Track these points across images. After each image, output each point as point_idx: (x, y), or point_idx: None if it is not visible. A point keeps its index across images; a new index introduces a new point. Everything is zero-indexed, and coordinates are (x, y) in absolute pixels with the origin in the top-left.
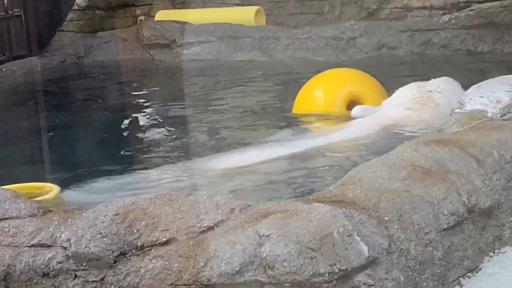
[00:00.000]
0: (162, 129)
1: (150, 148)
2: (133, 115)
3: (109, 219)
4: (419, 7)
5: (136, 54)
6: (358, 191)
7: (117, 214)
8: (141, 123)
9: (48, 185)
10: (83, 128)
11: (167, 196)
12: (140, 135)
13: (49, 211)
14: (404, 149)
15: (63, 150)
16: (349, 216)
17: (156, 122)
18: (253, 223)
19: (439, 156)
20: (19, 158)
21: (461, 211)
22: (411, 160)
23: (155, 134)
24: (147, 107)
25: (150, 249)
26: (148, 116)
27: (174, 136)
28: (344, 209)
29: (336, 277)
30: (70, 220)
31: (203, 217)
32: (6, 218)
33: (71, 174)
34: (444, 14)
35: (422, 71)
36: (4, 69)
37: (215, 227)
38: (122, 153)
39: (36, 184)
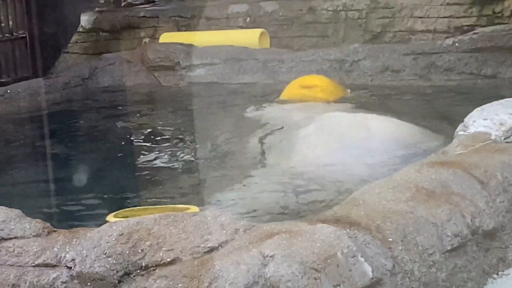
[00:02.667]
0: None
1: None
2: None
3: (113, 239)
4: (422, 30)
5: (140, 76)
6: (362, 212)
7: (122, 234)
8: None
9: (186, 207)
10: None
11: (172, 217)
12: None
13: (54, 231)
14: (408, 170)
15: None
16: (353, 237)
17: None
18: (257, 244)
19: (443, 177)
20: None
21: (465, 232)
22: (415, 181)
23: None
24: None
25: (154, 269)
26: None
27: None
28: (348, 230)
29: None
30: (74, 240)
31: (207, 237)
32: (11, 238)
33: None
34: (447, 37)
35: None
36: (8, 91)
37: (220, 247)
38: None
39: (173, 206)
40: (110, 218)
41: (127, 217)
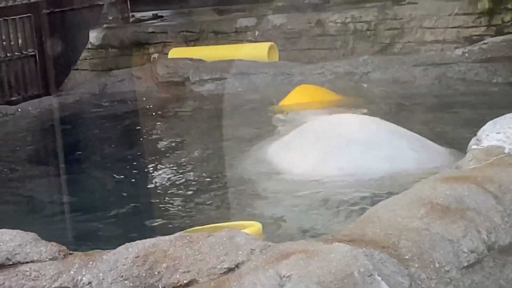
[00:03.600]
0: None
1: None
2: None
3: (130, 261)
4: (431, 41)
5: (150, 92)
6: (378, 230)
7: (138, 257)
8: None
9: (249, 223)
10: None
11: (187, 238)
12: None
13: (70, 253)
14: (422, 186)
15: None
16: (370, 256)
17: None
18: (273, 264)
19: (457, 193)
20: None
21: (481, 248)
22: (430, 197)
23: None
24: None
25: None
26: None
27: None
28: (364, 248)
29: None
30: (91, 263)
31: (223, 258)
32: (27, 262)
33: None
34: (457, 48)
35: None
36: (19, 109)
37: (236, 268)
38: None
39: (236, 223)
40: None
41: None
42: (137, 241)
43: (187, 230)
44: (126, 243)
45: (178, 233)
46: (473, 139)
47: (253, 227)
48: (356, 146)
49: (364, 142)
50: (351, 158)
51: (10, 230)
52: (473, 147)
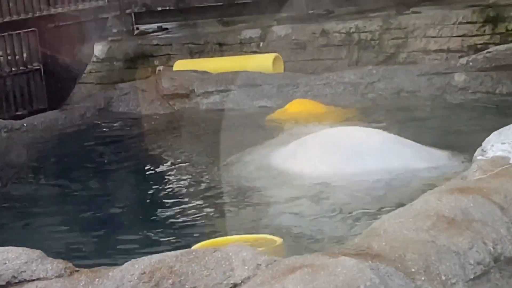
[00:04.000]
0: None
1: None
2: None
3: (136, 278)
4: (436, 50)
5: (155, 105)
6: (384, 243)
7: (144, 273)
8: None
9: (270, 237)
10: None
11: (193, 253)
12: None
13: (76, 270)
14: (428, 198)
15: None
16: (376, 269)
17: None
18: (280, 279)
19: (463, 204)
20: None
21: (487, 260)
22: (436, 209)
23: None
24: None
25: None
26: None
27: None
28: (370, 261)
29: None
30: (97, 280)
31: (229, 273)
32: (33, 280)
33: None
34: (461, 56)
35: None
36: (25, 124)
37: (242, 283)
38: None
39: (257, 236)
40: None
41: None
42: (143, 257)
43: (204, 242)
44: (132, 260)
45: (193, 247)
46: (478, 149)
47: (275, 243)
48: (364, 155)
49: (371, 152)
50: (360, 166)
51: (16, 247)
52: (478, 157)
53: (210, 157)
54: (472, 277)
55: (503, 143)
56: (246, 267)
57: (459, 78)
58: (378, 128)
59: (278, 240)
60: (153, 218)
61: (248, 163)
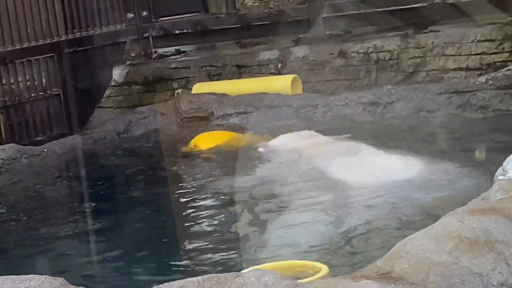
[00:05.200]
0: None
1: None
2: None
3: None
4: (455, 68)
5: (175, 128)
6: (406, 265)
7: None
8: None
9: (316, 264)
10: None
11: (215, 279)
12: None
13: None
14: (449, 219)
15: None
16: None
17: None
18: None
19: (485, 226)
20: None
21: (511, 281)
22: (457, 231)
23: None
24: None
25: None
26: None
27: None
28: (392, 285)
29: None
30: None
31: None
32: None
33: None
34: (480, 74)
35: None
36: (45, 150)
37: None
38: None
39: (301, 262)
40: None
41: None
42: (165, 284)
43: (249, 268)
44: (154, 286)
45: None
46: (499, 169)
47: (321, 271)
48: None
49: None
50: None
51: (38, 275)
52: (499, 177)
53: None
54: None
55: None
56: None
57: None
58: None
59: (324, 267)
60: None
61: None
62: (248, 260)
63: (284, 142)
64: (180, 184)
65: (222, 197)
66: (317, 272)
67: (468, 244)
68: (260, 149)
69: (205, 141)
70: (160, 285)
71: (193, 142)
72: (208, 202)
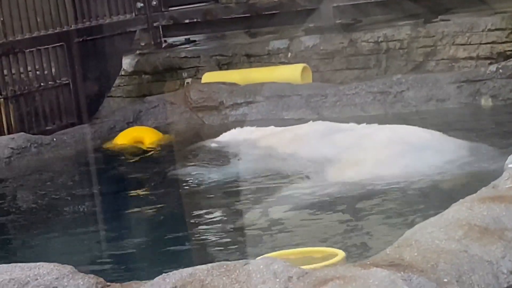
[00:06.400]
0: None
1: None
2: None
3: None
4: (465, 57)
5: (184, 118)
6: (415, 253)
7: (175, 287)
8: None
9: (331, 250)
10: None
11: (224, 267)
12: None
13: (107, 285)
14: (459, 208)
15: None
16: (408, 280)
17: None
18: None
19: (495, 213)
20: None
21: None
22: (467, 219)
23: None
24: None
25: None
26: None
27: None
28: (402, 272)
29: None
30: None
31: (260, 286)
32: None
33: None
34: (491, 63)
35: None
36: (54, 139)
37: None
38: None
39: (318, 248)
40: None
41: None
42: (174, 271)
43: (267, 254)
44: (163, 274)
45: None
46: (509, 157)
47: (337, 256)
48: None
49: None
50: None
51: (47, 263)
52: (509, 165)
53: None
54: (505, 286)
55: None
56: (278, 280)
57: (486, 103)
58: None
59: (340, 253)
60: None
61: None
62: None
63: (232, 137)
64: None
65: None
66: (332, 257)
67: (478, 232)
68: (213, 145)
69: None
70: (169, 272)
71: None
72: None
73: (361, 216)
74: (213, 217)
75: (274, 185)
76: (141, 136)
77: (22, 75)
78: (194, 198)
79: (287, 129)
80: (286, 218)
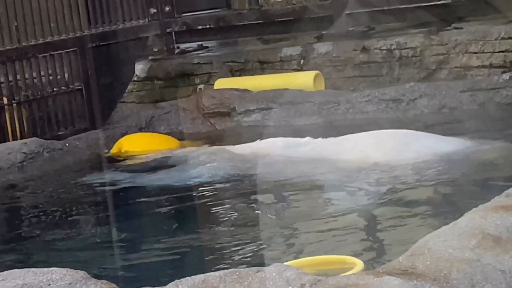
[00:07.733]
0: None
1: None
2: None
3: None
4: (478, 66)
5: (197, 124)
6: (428, 262)
7: None
8: None
9: (349, 258)
10: None
11: (237, 273)
12: None
13: None
14: (472, 216)
15: None
16: None
17: None
18: None
19: (508, 222)
20: None
21: None
22: (481, 228)
23: None
24: None
25: None
26: None
27: None
28: (415, 281)
29: None
30: None
31: None
32: None
33: None
34: (504, 72)
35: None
36: (67, 144)
37: None
38: None
39: (336, 257)
40: None
41: None
42: (187, 278)
43: (288, 262)
44: (176, 280)
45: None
46: None
47: (355, 268)
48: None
49: None
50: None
51: (60, 268)
52: None
53: None
54: None
55: None
56: (290, 287)
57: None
58: None
59: (359, 263)
60: None
61: None
62: None
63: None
64: None
65: None
66: (351, 268)
67: (492, 241)
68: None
69: (131, 144)
70: (181, 279)
71: (117, 146)
72: None
73: None
74: None
75: None
76: (156, 143)
77: (35, 80)
78: None
79: (344, 138)
80: None
